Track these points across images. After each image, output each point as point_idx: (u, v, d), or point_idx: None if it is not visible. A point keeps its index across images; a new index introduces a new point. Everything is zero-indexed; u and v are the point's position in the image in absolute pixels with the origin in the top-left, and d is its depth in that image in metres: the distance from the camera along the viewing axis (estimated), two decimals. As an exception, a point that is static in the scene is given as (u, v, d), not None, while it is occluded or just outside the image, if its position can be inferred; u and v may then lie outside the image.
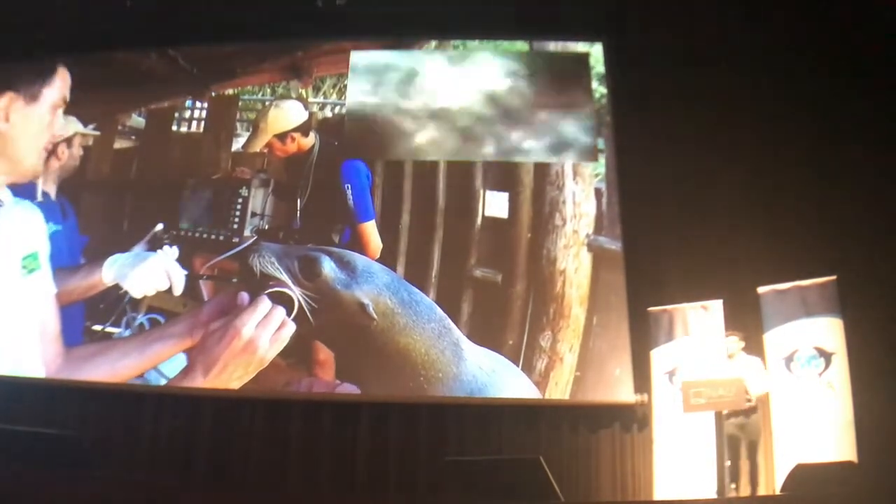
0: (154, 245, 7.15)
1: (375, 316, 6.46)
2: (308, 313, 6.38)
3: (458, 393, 6.63)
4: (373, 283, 6.60)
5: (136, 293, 6.63)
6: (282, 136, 7.78)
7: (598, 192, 7.51)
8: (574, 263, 7.31)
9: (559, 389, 7.00)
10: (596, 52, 7.88)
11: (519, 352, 7.11)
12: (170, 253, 6.70)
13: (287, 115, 7.89)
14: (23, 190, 6.36)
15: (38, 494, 4.89)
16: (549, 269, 7.32)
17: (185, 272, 6.65)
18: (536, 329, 7.18)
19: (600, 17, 7.77)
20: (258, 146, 7.86)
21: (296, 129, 7.80)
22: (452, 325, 6.74)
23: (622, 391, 6.92)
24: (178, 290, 6.61)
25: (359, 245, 7.34)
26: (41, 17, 8.03)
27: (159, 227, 7.37)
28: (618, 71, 7.74)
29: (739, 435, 6.37)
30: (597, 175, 7.55)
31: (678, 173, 7.23)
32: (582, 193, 7.50)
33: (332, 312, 6.47)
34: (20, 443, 5.54)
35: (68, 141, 7.59)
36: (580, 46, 7.97)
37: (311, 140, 7.81)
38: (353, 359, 6.83)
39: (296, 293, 6.37)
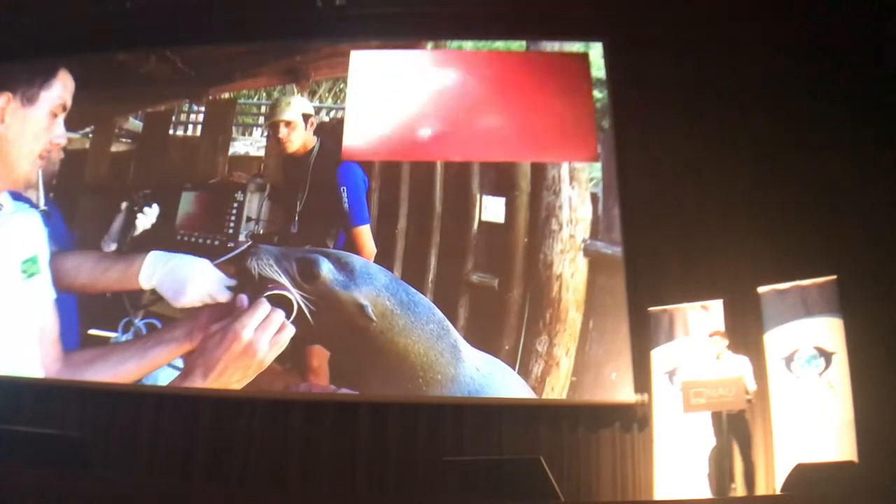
0: (129, 218, 7.20)
1: (374, 317, 6.46)
2: (308, 315, 6.38)
3: (456, 395, 6.65)
4: (371, 284, 6.60)
5: (179, 305, 6.62)
6: (306, 117, 7.86)
7: (594, 196, 7.50)
8: (570, 268, 7.29)
9: (555, 394, 6.97)
10: (593, 55, 7.90)
11: (515, 356, 7.08)
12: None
13: (308, 102, 8.03)
14: (22, 196, 6.35)
15: (38, 494, 4.89)
16: (546, 274, 7.30)
17: (234, 282, 6.64)
18: (533, 334, 7.15)
19: (600, 16, 7.79)
20: (291, 116, 7.84)
21: (314, 116, 7.90)
22: (451, 326, 6.77)
23: (619, 395, 6.89)
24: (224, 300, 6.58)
25: (353, 249, 7.30)
26: (40, 18, 8.04)
27: (125, 203, 7.45)
28: (617, 71, 7.75)
29: (731, 435, 6.32)
30: (592, 180, 7.54)
31: (678, 173, 7.27)
32: (578, 198, 7.49)
33: (331, 314, 6.48)
34: (20, 443, 5.53)
35: None
36: (578, 46, 7.98)
37: (313, 140, 7.83)
38: (352, 362, 6.82)
39: (295, 295, 6.36)
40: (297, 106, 7.90)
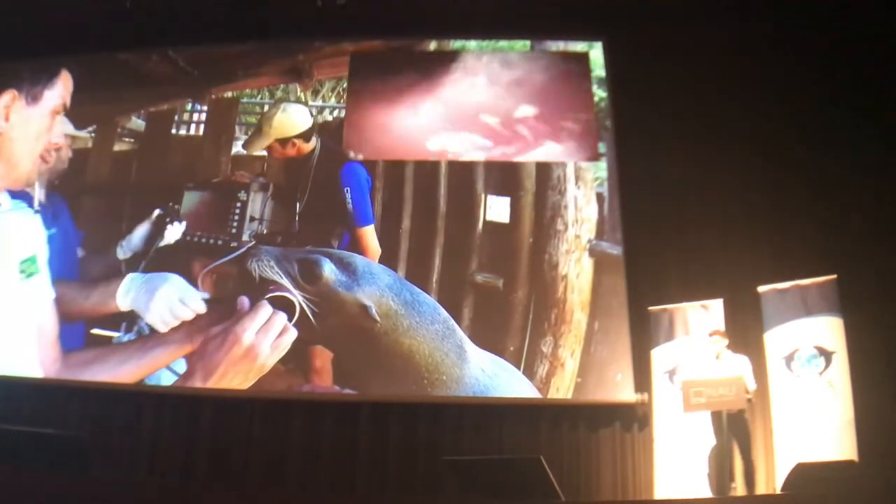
0: (158, 227, 7.17)
1: (378, 318, 6.40)
2: (311, 317, 6.30)
3: (461, 396, 6.64)
4: (374, 284, 6.55)
5: (160, 327, 6.48)
6: (283, 141, 7.75)
7: (599, 196, 7.49)
8: (576, 268, 7.28)
9: (560, 395, 6.97)
10: (596, 55, 7.89)
11: (520, 357, 7.07)
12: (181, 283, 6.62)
13: (292, 120, 7.85)
14: (20, 195, 6.34)
15: (38, 494, 4.89)
16: (551, 274, 7.29)
17: (205, 295, 6.55)
18: (538, 334, 7.14)
19: (600, 16, 7.76)
20: (259, 148, 7.85)
21: (299, 136, 7.77)
22: (456, 325, 6.73)
23: (623, 395, 6.89)
24: (202, 310, 6.48)
25: (358, 250, 7.27)
26: (41, 18, 8.04)
27: (157, 211, 7.38)
28: (618, 70, 7.74)
29: (731, 434, 6.31)
30: (597, 179, 7.53)
31: (679, 173, 7.22)
32: (584, 198, 7.48)
33: (334, 316, 6.42)
34: (20, 443, 5.53)
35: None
36: (581, 46, 7.96)
37: (311, 144, 7.79)
38: (356, 363, 6.77)
39: (297, 297, 6.28)
40: (266, 137, 7.81)
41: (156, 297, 6.44)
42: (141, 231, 7.40)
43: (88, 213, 7.88)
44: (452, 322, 6.71)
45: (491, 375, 6.73)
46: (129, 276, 6.63)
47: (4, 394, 6.64)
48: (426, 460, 6.79)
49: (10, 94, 5.91)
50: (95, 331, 7.16)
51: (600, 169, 7.56)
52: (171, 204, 7.64)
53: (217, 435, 7.09)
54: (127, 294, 6.49)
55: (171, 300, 6.43)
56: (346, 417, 7.03)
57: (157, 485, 6.02)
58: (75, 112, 6.80)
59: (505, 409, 6.91)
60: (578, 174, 7.53)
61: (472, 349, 6.72)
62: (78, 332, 7.06)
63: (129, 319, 7.02)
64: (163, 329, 6.44)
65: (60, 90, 6.12)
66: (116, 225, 7.76)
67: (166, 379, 6.72)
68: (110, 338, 7.11)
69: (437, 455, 6.47)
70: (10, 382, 6.46)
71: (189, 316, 6.41)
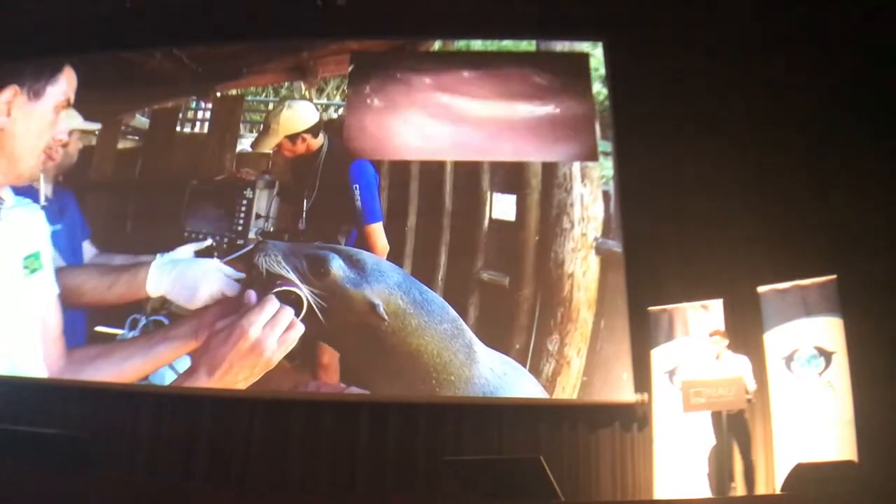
0: (204, 256, 7.09)
1: (386, 316, 6.34)
2: (318, 313, 6.24)
3: (463, 395, 6.59)
4: (383, 282, 6.47)
5: (193, 307, 6.49)
6: (292, 137, 7.73)
7: (605, 194, 7.48)
8: (582, 267, 7.28)
9: (566, 394, 6.97)
10: (598, 54, 7.89)
11: (526, 356, 7.07)
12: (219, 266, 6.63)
13: (300, 116, 7.83)
14: (25, 191, 6.34)
15: (38, 494, 4.91)
16: (557, 273, 7.30)
17: (241, 275, 6.53)
18: (544, 333, 7.14)
19: (600, 16, 7.77)
20: (268, 146, 7.82)
21: (307, 131, 7.76)
22: (465, 325, 6.67)
23: (626, 395, 6.89)
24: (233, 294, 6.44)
25: (365, 247, 7.26)
26: (45, 16, 8.05)
27: (209, 241, 7.33)
28: (618, 70, 7.74)
29: (731, 434, 6.33)
30: (603, 178, 7.53)
31: (679, 173, 7.24)
32: (590, 196, 7.48)
33: (341, 313, 6.36)
34: (20, 443, 5.54)
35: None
36: (585, 46, 7.95)
37: (319, 141, 7.77)
38: (363, 361, 6.73)
39: (304, 292, 6.22)
40: (275, 134, 7.77)
41: (198, 295, 6.43)
42: (186, 253, 7.19)
43: (92, 210, 7.85)
44: (461, 322, 6.65)
45: (500, 375, 6.68)
46: (156, 265, 6.54)
47: (6, 393, 6.64)
48: (426, 460, 6.80)
49: (11, 90, 5.90)
50: (100, 328, 7.16)
51: (606, 167, 7.56)
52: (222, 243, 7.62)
53: (217, 435, 7.08)
54: (159, 285, 6.46)
55: (213, 296, 6.43)
56: (346, 417, 7.03)
57: (157, 485, 6.03)
58: (79, 110, 6.76)
59: (505, 409, 6.91)
60: (584, 172, 7.52)
61: (481, 349, 6.67)
62: (80, 329, 7.06)
63: (134, 318, 7.03)
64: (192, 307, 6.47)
65: (64, 86, 6.10)
66: (120, 223, 7.83)
67: (167, 378, 6.68)
68: (114, 335, 7.09)
69: (438, 455, 6.49)
70: (10, 382, 6.46)
71: (232, 294, 6.43)
